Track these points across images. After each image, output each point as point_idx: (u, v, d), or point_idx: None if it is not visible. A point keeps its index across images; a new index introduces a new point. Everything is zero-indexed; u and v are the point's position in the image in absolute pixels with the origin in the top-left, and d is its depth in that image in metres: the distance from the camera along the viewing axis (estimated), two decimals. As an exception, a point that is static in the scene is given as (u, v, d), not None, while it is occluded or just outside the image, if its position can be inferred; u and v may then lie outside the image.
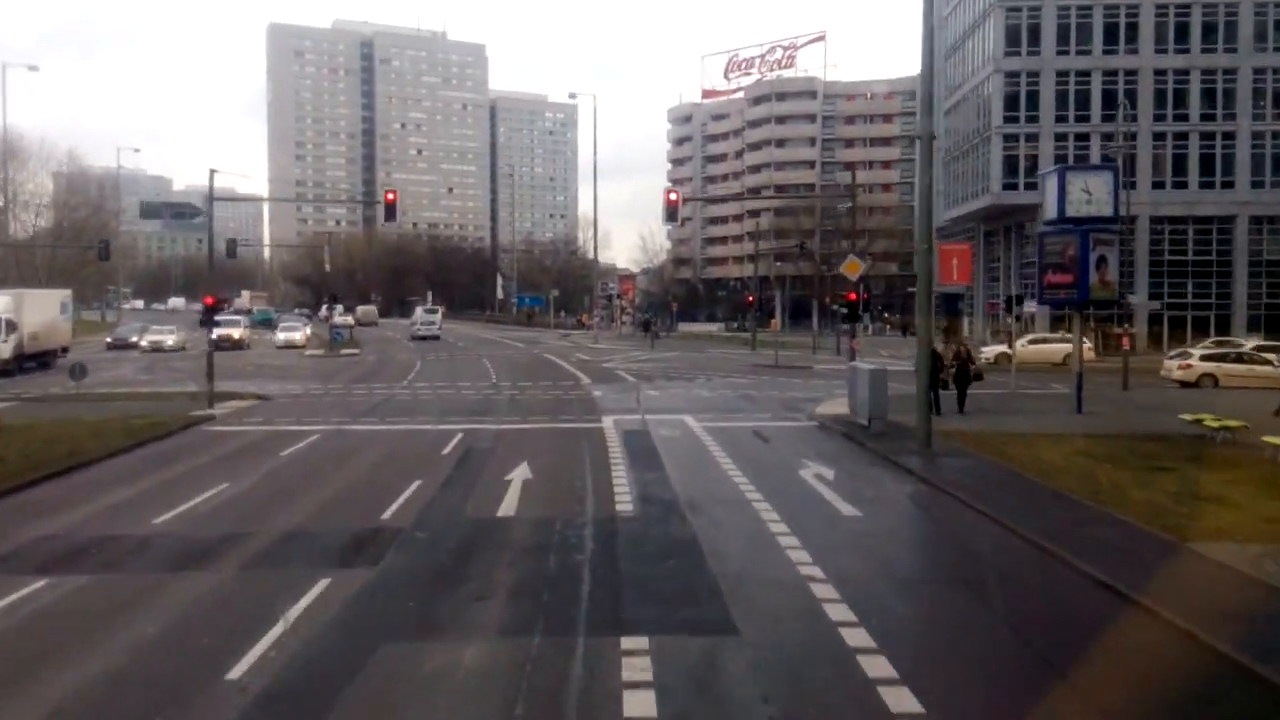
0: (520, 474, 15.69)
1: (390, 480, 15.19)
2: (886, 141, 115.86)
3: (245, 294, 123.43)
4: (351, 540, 11.65)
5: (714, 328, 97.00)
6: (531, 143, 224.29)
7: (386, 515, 12.90)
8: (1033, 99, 56.20)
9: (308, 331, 57.67)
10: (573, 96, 60.42)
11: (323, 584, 9.71)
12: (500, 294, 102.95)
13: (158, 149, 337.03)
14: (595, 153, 62.62)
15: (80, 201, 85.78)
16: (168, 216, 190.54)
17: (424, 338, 65.69)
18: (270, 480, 15.67)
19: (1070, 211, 22.70)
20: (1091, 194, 22.57)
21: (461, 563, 10.64)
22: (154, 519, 12.76)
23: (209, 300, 25.54)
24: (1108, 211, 22.70)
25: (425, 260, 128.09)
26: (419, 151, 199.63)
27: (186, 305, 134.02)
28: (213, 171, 25.69)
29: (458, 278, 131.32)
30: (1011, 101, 56.31)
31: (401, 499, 13.83)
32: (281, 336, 55.59)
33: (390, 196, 26.43)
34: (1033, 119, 56.14)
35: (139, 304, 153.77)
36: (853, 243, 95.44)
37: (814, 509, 13.35)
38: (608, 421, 22.36)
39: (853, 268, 25.31)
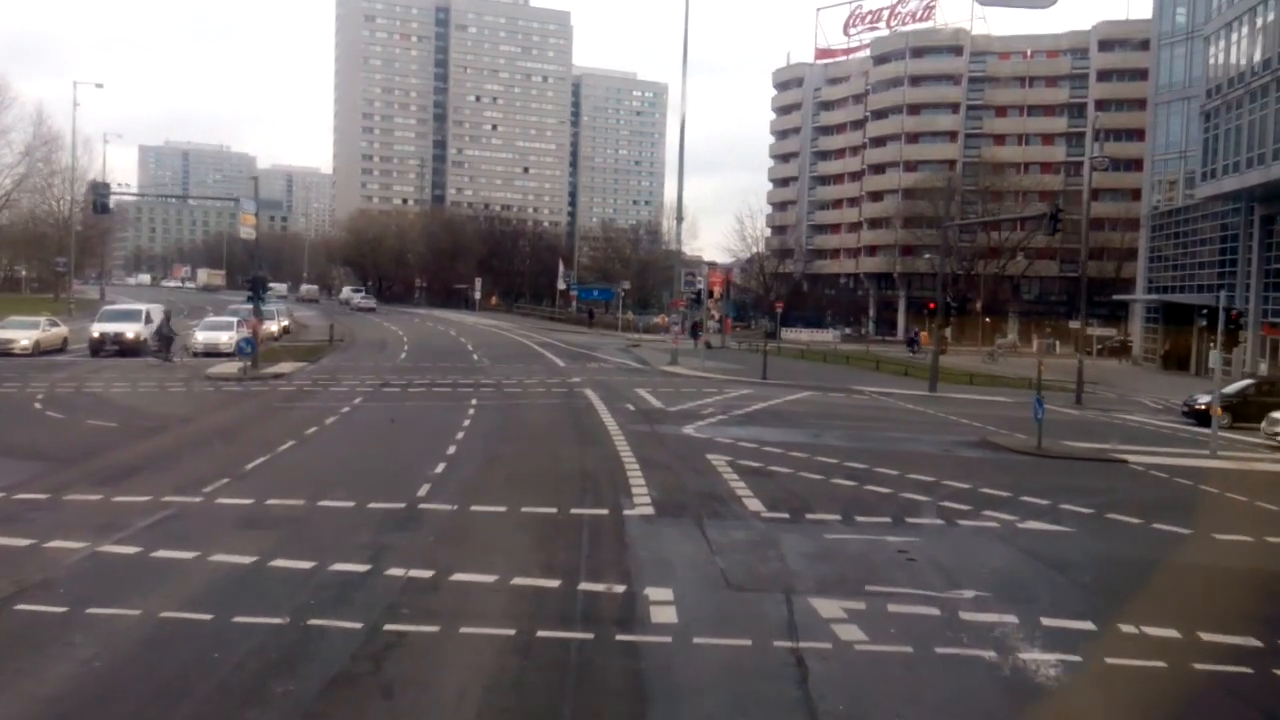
0: None
1: None
2: (1049, 110, 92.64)
3: (202, 272, 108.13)
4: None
5: (829, 335, 76.11)
6: (617, 123, 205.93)
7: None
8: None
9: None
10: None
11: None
12: (561, 284, 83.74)
13: (256, 128, 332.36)
14: (685, 76, 42.53)
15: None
16: None
17: (362, 309, 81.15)
18: None
19: None
20: None
21: None
22: None
23: None
24: None
25: (477, 242, 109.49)
26: (494, 126, 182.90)
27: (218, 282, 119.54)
28: None
29: (519, 264, 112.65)
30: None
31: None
32: (201, 338, 37.12)
33: None
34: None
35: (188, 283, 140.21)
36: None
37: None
38: None
39: None
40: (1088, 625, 9.14)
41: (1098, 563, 11.78)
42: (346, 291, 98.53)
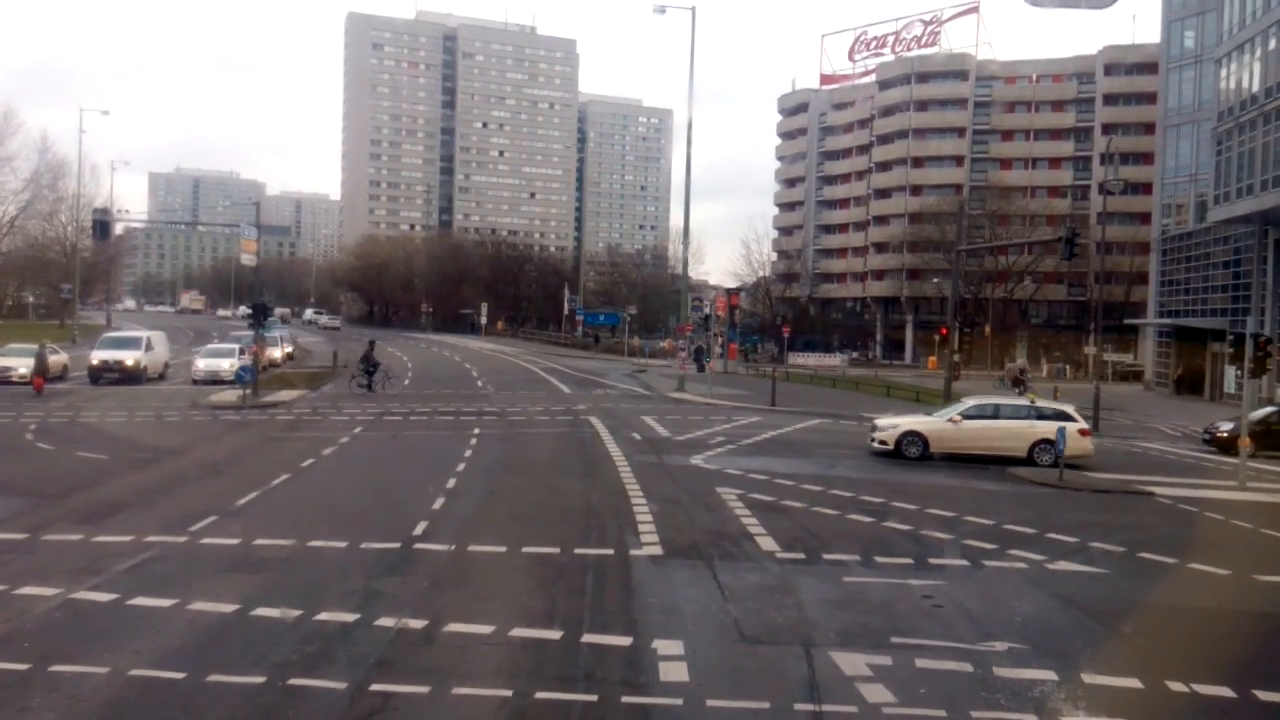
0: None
1: None
2: (1056, 134, 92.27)
3: (185, 296, 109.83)
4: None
5: (837, 359, 75.37)
6: (623, 149, 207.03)
7: None
8: None
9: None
10: (661, 10, 38.38)
11: None
12: (567, 309, 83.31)
13: (266, 155, 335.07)
14: (691, 90, 42.54)
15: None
16: None
17: (328, 328, 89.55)
18: None
19: None
20: None
21: None
22: None
23: None
24: None
25: (483, 267, 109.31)
26: (501, 153, 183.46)
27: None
28: None
29: (525, 289, 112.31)
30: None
31: None
32: (202, 365, 36.58)
33: None
34: None
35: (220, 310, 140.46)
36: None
37: None
38: None
39: None
40: (1133, 682, 8.42)
41: (1136, 608, 11.06)
42: (309, 313, 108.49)
